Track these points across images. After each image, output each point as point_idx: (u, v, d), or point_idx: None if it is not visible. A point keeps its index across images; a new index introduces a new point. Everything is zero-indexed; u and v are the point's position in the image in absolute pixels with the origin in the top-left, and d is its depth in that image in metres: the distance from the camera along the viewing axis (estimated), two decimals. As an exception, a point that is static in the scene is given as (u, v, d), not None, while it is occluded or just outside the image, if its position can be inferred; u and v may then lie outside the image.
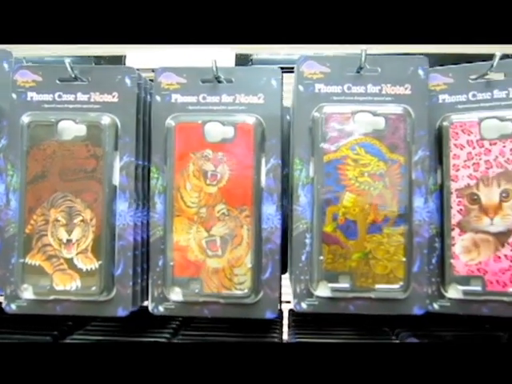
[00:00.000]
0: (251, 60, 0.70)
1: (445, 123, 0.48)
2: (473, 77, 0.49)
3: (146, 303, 0.51)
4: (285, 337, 0.58)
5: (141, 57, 0.71)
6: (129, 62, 0.71)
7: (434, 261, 0.49)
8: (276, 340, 0.54)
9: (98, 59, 0.72)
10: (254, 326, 0.56)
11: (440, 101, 0.49)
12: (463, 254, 0.47)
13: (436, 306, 0.49)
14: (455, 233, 0.47)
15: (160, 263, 0.48)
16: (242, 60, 0.70)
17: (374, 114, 0.47)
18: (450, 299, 0.48)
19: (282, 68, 0.59)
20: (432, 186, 0.49)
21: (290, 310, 0.63)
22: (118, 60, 0.71)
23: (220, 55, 0.72)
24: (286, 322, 0.62)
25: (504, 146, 0.47)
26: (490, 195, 0.47)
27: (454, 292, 0.48)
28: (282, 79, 0.49)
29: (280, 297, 0.70)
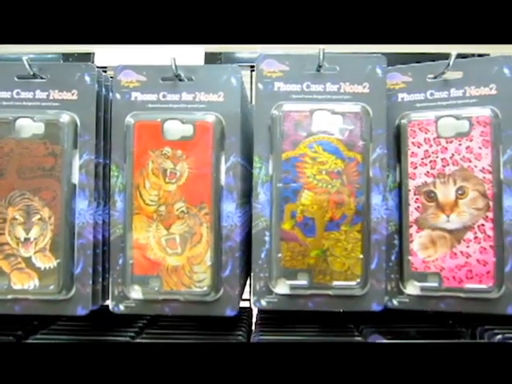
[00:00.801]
0: (220, 58, 0.70)
1: (403, 121, 0.49)
2: (431, 76, 0.49)
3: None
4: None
5: (110, 54, 0.71)
6: (97, 60, 0.71)
7: (393, 257, 0.49)
8: (241, 338, 0.54)
9: (67, 56, 0.71)
10: (221, 323, 0.56)
11: (399, 99, 0.50)
12: (421, 250, 0.48)
13: (395, 302, 0.50)
14: (413, 230, 0.48)
15: (120, 261, 0.48)
16: (212, 58, 0.70)
17: (332, 113, 0.47)
18: (408, 295, 0.49)
19: (252, 67, 0.59)
20: (391, 184, 0.49)
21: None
22: (87, 57, 0.70)
23: (190, 53, 0.73)
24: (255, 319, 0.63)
25: (460, 144, 0.47)
26: (446, 193, 0.47)
27: (412, 288, 0.48)
28: (242, 77, 0.49)
29: (249, 294, 0.70)
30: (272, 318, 0.60)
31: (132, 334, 0.55)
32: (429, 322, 0.58)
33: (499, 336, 0.52)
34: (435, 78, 0.50)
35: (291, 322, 0.58)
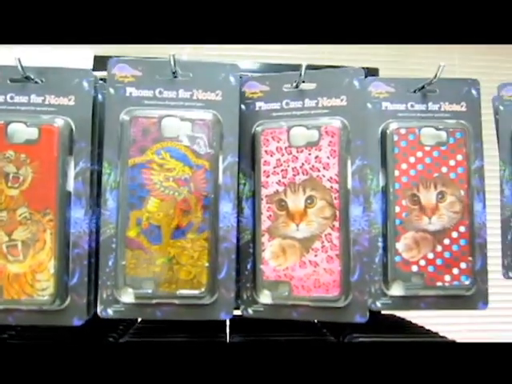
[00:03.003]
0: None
1: (257, 130, 0.49)
2: (287, 86, 0.50)
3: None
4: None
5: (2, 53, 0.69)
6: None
7: (248, 266, 0.49)
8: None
9: None
10: (99, 330, 0.54)
11: (257, 108, 0.50)
12: (272, 259, 0.48)
13: (250, 311, 0.49)
14: (265, 238, 0.48)
15: (-39, 269, 0.46)
16: (100, 62, 0.69)
17: (181, 119, 0.46)
18: (262, 304, 0.49)
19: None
20: (248, 192, 0.49)
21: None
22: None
23: (79, 56, 0.71)
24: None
25: (309, 154, 0.48)
26: (296, 202, 0.47)
27: (265, 297, 0.48)
28: (96, 81, 0.48)
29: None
30: (151, 327, 0.59)
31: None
32: (303, 331, 0.58)
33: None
34: (296, 87, 0.50)
35: (164, 331, 0.57)
